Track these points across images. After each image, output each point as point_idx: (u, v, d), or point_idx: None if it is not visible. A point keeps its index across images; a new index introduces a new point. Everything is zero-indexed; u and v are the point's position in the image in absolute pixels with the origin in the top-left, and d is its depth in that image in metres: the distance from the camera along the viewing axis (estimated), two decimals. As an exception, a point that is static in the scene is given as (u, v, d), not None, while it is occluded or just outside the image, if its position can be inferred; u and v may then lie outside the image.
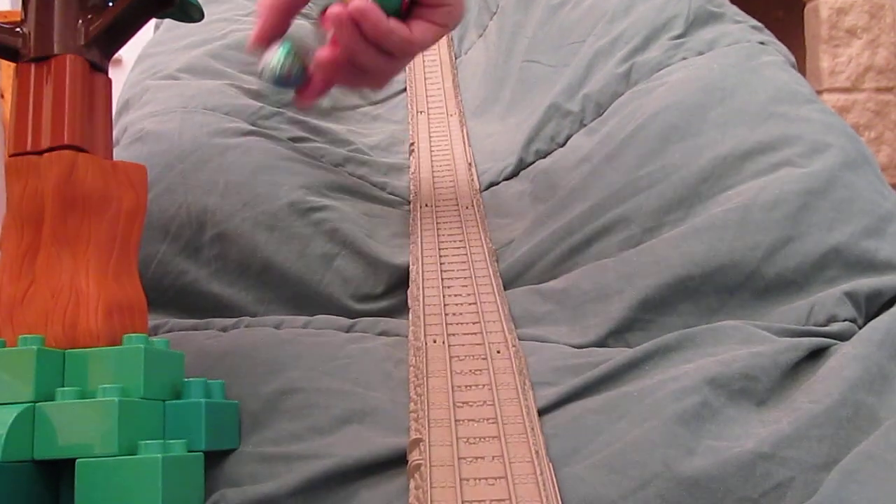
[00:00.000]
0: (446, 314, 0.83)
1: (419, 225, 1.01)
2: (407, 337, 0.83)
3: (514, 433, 0.67)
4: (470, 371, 0.75)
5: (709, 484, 0.61)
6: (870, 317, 0.80)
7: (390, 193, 1.12)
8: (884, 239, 0.84)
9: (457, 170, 1.15)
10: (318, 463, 0.67)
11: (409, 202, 1.09)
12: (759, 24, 1.21)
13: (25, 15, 0.73)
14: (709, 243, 0.83)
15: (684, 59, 1.12)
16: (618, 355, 0.76)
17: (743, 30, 1.17)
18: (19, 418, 0.59)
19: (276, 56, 0.88)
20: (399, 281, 0.93)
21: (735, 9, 1.24)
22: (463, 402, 0.71)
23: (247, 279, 0.93)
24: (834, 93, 2.02)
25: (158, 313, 0.91)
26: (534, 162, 1.15)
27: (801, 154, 0.91)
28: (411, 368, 0.77)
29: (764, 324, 0.78)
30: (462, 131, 1.26)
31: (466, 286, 0.88)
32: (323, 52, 0.88)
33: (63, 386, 0.63)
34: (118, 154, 0.81)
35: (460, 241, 0.97)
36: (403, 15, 0.89)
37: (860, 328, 0.78)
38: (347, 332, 0.86)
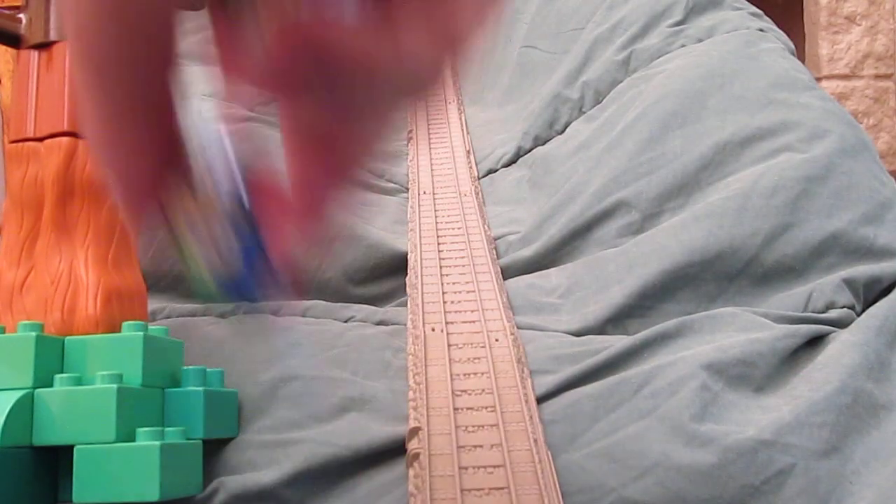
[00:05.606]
0: (445, 302, 0.83)
1: (417, 212, 1.01)
2: (405, 325, 0.83)
3: (512, 421, 0.67)
4: (469, 359, 0.75)
5: (710, 472, 0.61)
6: (868, 303, 0.80)
7: (388, 181, 1.12)
8: (882, 226, 0.84)
9: (455, 157, 1.15)
10: (316, 451, 0.67)
11: (408, 189, 1.09)
12: (759, 11, 1.21)
13: (27, 1, 0.73)
14: (708, 230, 0.83)
15: (683, 46, 1.12)
16: (616, 343, 0.76)
17: (742, 16, 1.16)
18: (18, 404, 0.59)
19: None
20: (398, 266, 0.93)
21: (734, -5, 1.24)
22: (462, 391, 0.71)
23: (245, 264, 0.93)
24: (833, 80, 2.01)
25: (157, 298, 0.90)
26: (532, 149, 1.15)
27: (800, 140, 0.91)
28: (410, 357, 0.77)
29: (762, 311, 0.79)
30: (460, 118, 1.26)
31: (465, 274, 0.88)
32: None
33: (62, 373, 0.63)
34: (116, 140, 0.81)
35: (459, 228, 0.97)
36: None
37: (858, 315, 0.78)
38: (346, 321, 0.85)
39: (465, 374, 0.73)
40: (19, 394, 0.60)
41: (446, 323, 0.80)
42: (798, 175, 0.86)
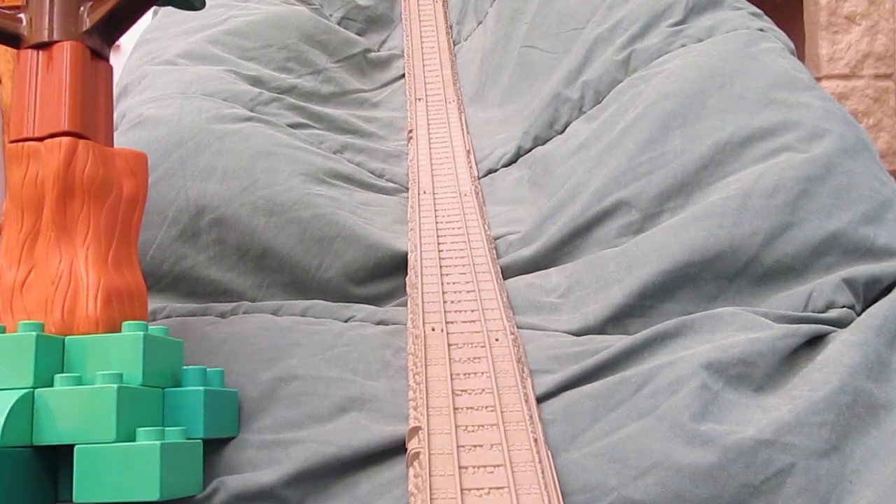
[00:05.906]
0: (445, 302, 0.83)
1: (418, 212, 1.01)
2: (405, 325, 0.83)
3: (513, 421, 0.67)
4: (469, 359, 0.75)
5: (710, 471, 0.61)
6: (868, 303, 0.80)
7: (389, 180, 1.12)
8: (882, 225, 0.84)
9: (455, 157, 1.15)
10: (316, 451, 0.67)
11: (408, 189, 1.09)
12: (759, 11, 1.21)
13: (27, 1, 0.73)
14: (708, 230, 0.83)
15: (683, 45, 1.12)
16: (616, 342, 0.76)
17: (742, 16, 1.16)
18: (18, 404, 0.59)
19: None
20: (398, 266, 0.93)
21: (734, -5, 1.24)
22: (462, 391, 0.71)
23: (245, 264, 0.93)
24: (833, 79, 2.01)
25: (157, 298, 0.90)
26: (532, 149, 1.15)
27: (800, 139, 0.91)
28: (410, 356, 0.77)
29: (762, 310, 0.79)
30: (460, 118, 1.26)
31: (465, 274, 0.88)
32: None
33: (62, 372, 0.63)
34: (116, 139, 0.81)
35: (459, 228, 0.97)
36: None
37: (858, 315, 0.78)
38: (346, 321, 0.85)
39: (465, 374, 0.73)
40: (19, 393, 0.60)
41: (446, 323, 0.80)
42: (798, 175, 0.86)
